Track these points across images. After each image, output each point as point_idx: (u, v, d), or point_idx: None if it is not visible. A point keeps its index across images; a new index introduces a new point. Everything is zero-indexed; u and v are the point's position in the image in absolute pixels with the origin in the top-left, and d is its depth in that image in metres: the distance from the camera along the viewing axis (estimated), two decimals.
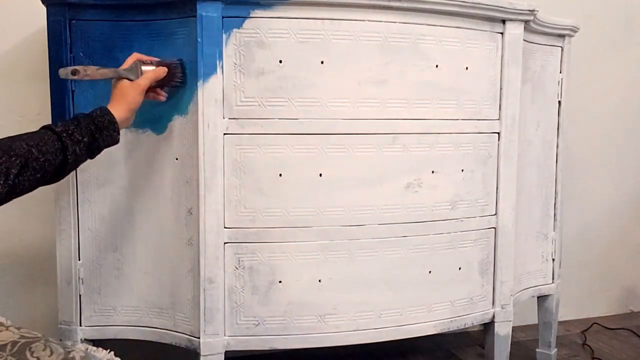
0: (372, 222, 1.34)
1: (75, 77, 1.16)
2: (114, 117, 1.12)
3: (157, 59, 1.23)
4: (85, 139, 1.08)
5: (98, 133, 1.10)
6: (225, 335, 1.30)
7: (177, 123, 1.28)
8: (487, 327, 1.54)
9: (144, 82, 1.18)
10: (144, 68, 1.20)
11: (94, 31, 1.27)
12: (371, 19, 1.28)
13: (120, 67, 1.18)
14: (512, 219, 1.49)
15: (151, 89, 1.22)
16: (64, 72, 1.15)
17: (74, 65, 1.27)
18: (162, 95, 1.26)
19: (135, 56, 1.21)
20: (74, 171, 1.29)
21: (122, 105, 1.15)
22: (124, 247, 1.34)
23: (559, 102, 1.67)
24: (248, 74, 1.24)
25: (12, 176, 0.95)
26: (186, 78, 1.24)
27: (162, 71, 1.21)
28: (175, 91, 1.27)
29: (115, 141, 1.14)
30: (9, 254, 1.65)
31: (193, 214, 1.27)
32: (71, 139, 1.06)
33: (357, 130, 1.31)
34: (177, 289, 1.32)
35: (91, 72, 1.16)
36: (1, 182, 0.94)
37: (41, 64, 1.52)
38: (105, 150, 1.12)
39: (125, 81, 1.17)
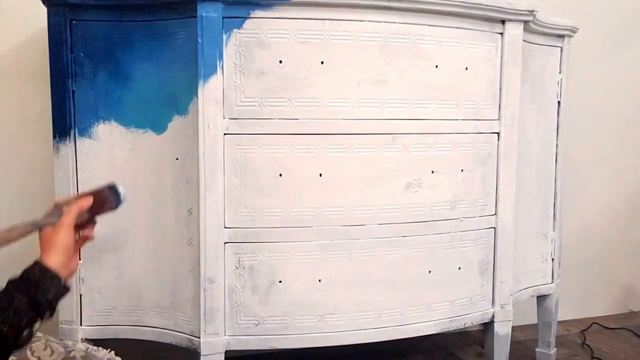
0: (372, 222, 1.34)
1: None
2: (45, 265, 0.96)
3: (80, 193, 1.08)
4: (23, 306, 0.91)
5: (34, 288, 0.94)
6: (225, 335, 1.30)
7: (177, 123, 1.28)
8: (487, 326, 1.54)
9: (67, 219, 1.02)
10: (66, 209, 1.03)
11: (95, 31, 1.28)
12: (371, 19, 1.28)
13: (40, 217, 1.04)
14: (511, 219, 1.49)
15: (86, 223, 1.06)
16: None
17: (75, 65, 1.28)
18: (91, 237, 1.08)
19: (52, 202, 1.05)
20: (75, 170, 1.31)
21: (50, 251, 0.99)
22: (124, 247, 1.34)
23: (559, 102, 1.67)
24: (248, 74, 1.25)
25: None
26: (120, 202, 1.05)
27: (87, 202, 1.05)
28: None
29: (63, 289, 0.97)
30: (8, 253, 1.65)
31: (193, 214, 1.27)
32: (12, 320, 0.89)
33: (357, 130, 1.31)
34: (177, 289, 1.32)
35: (4, 235, 1.02)
36: None
37: (42, 64, 1.52)
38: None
39: (48, 228, 1.02)
